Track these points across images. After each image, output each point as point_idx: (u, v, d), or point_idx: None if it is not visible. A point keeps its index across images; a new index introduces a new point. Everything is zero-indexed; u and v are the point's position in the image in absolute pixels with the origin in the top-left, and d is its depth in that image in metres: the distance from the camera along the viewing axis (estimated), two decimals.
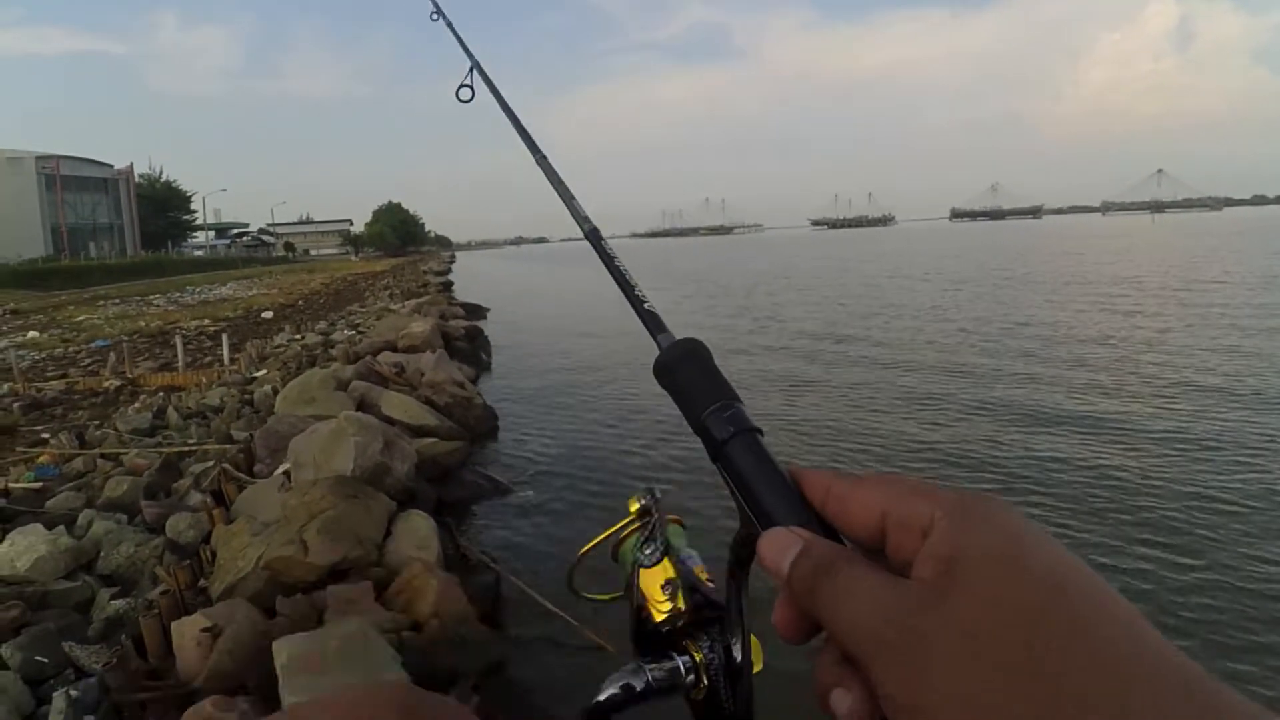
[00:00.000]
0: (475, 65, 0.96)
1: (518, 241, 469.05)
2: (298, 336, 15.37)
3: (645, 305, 0.56)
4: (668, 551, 0.49)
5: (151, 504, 5.25)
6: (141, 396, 9.82)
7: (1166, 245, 47.45)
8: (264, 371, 10.80)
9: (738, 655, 0.44)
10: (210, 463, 6.18)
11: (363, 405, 7.66)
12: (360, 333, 15.15)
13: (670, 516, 0.53)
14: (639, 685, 0.45)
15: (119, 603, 4.04)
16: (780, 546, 0.37)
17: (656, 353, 0.51)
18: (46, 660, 3.44)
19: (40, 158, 59.47)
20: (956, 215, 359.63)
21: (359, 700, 0.34)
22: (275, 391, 8.51)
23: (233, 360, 11.97)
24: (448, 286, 34.91)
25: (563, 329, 18.82)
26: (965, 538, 0.31)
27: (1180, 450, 7.17)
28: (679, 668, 0.46)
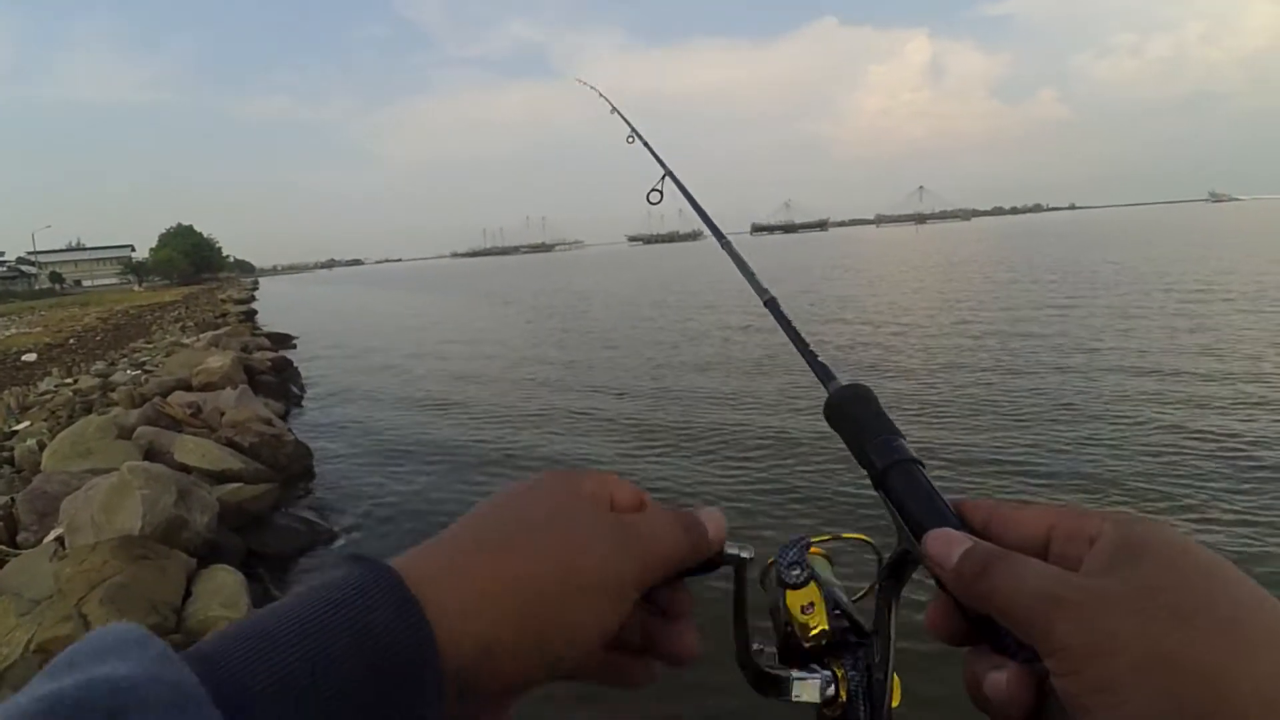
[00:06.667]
0: (668, 173, 1.14)
1: (330, 264, 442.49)
2: (69, 380, 13.57)
3: (818, 359, 0.61)
4: (813, 577, 0.53)
5: None
6: None
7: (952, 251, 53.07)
8: (27, 424, 9.49)
9: (880, 677, 0.48)
10: None
11: (151, 453, 6.94)
12: (147, 372, 13.66)
13: (815, 549, 0.58)
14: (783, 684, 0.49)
15: None
16: (950, 540, 0.41)
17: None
18: None
19: None
20: (757, 229, 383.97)
21: (558, 473, 0.45)
22: (42, 446, 7.53)
23: None
24: (250, 315, 32.39)
25: (378, 355, 17.93)
26: (1139, 532, 0.36)
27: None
28: (820, 680, 0.49)
